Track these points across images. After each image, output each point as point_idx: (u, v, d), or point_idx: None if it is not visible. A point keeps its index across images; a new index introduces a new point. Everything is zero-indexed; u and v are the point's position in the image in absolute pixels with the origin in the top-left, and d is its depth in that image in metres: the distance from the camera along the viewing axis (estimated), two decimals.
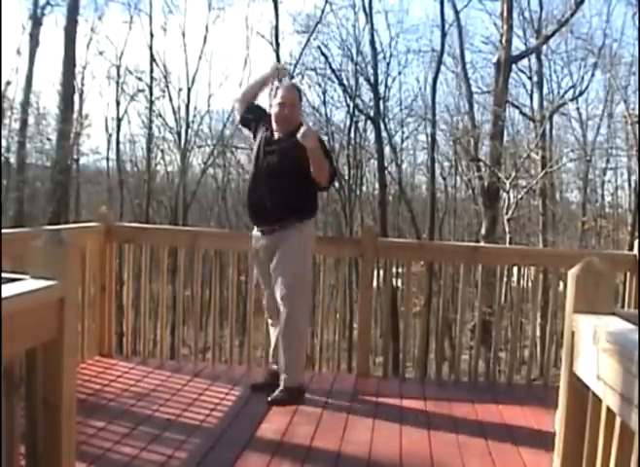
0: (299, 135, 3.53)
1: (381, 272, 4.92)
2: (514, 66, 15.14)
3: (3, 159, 16.13)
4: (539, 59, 16.74)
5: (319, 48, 17.21)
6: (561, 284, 4.48)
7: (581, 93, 16.78)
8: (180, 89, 18.75)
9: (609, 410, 1.60)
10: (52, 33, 28.14)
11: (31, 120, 17.55)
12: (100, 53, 18.27)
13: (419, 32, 24.98)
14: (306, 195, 3.77)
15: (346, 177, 17.53)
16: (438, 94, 16.61)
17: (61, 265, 1.81)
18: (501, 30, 14.40)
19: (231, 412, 3.59)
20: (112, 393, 3.75)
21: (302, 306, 3.75)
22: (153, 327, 7.67)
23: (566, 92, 16.93)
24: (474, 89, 15.81)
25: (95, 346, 4.44)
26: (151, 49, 18.21)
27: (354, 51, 17.42)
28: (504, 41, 14.01)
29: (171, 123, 18.91)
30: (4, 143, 16.25)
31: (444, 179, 19.67)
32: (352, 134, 18.08)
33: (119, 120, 18.97)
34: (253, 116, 4.02)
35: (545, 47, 16.01)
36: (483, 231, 13.71)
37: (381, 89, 17.19)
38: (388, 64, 17.71)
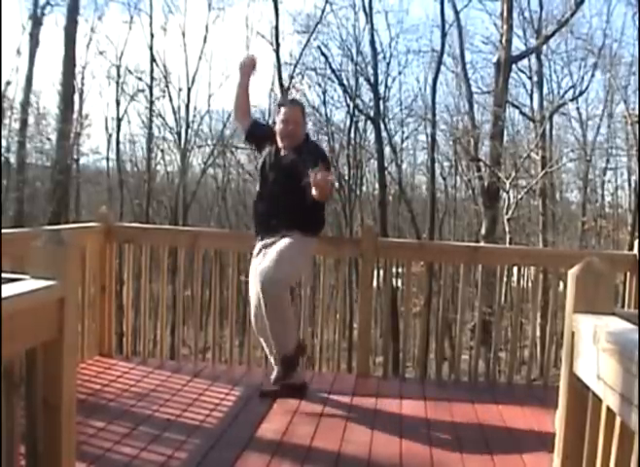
0: (311, 178, 3.38)
1: (381, 272, 4.92)
2: (514, 66, 15.15)
3: (3, 159, 16.14)
4: (539, 59, 16.74)
5: (319, 48, 17.24)
6: (561, 284, 4.49)
7: (581, 93, 16.80)
8: (180, 89, 18.79)
9: (609, 410, 1.60)
10: (52, 33, 28.15)
11: (31, 120, 17.59)
12: (100, 53, 18.33)
13: (419, 32, 25.07)
14: (312, 211, 3.76)
15: (346, 177, 17.54)
16: (438, 94, 16.65)
17: (61, 265, 1.81)
18: (501, 30, 14.41)
19: (231, 412, 3.58)
20: (112, 393, 3.75)
21: (283, 281, 3.59)
22: (153, 327, 7.69)
23: (566, 92, 16.97)
24: (474, 89, 15.84)
25: (95, 346, 4.44)
26: (151, 49, 18.25)
27: (354, 51, 17.46)
28: (504, 41, 14.02)
29: (171, 123, 18.96)
30: (4, 143, 16.28)
31: (444, 179, 19.69)
32: (352, 134, 18.10)
33: (119, 120, 19.00)
34: (258, 133, 4.05)
35: (545, 47, 16.02)
36: (483, 231, 13.72)
37: (381, 89, 17.22)
38: (388, 64, 17.75)
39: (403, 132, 18.86)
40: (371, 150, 18.07)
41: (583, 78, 16.56)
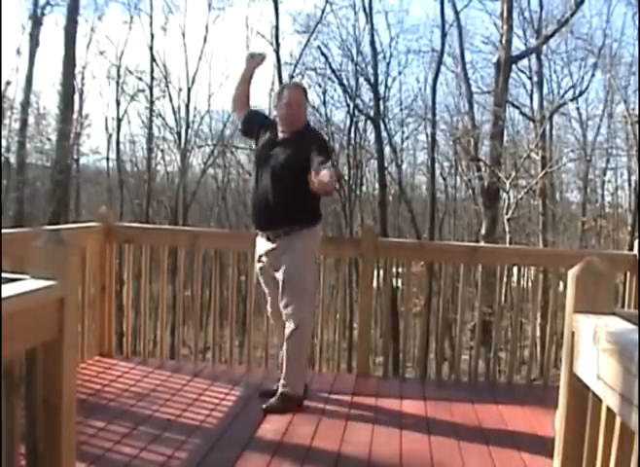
0: (314, 176, 3.37)
1: (381, 272, 4.92)
2: (514, 66, 15.16)
3: (3, 159, 16.14)
4: (539, 59, 16.74)
5: (319, 48, 17.24)
6: (561, 284, 4.48)
7: (581, 93, 16.80)
8: (180, 89, 18.80)
9: (609, 410, 1.60)
10: (52, 33, 28.18)
11: (31, 120, 17.59)
12: (100, 53, 18.34)
13: (419, 32, 25.08)
14: (312, 197, 3.64)
15: (346, 177, 17.54)
16: (438, 94, 16.65)
17: (61, 265, 1.81)
18: (501, 30, 14.41)
19: (231, 412, 3.58)
20: (112, 393, 3.75)
21: (307, 318, 3.68)
22: (153, 327, 7.68)
23: (566, 92, 16.97)
24: (474, 89, 15.84)
25: (95, 346, 4.44)
26: (151, 49, 18.25)
27: (354, 51, 17.46)
28: (504, 41, 14.02)
29: (171, 123, 18.96)
30: (4, 143, 16.28)
31: (444, 179, 19.70)
32: (352, 134, 18.11)
33: (119, 120, 19.01)
34: (254, 123, 3.93)
35: (545, 47, 16.02)
36: (483, 231, 13.72)
37: (381, 89, 17.22)
38: (388, 64, 17.76)
39: (403, 132, 18.89)
40: (371, 150, 18.08)
41: (583, 78, 16.59)
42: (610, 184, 18.71)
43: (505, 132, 15.20)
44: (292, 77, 17.16)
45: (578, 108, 17.53)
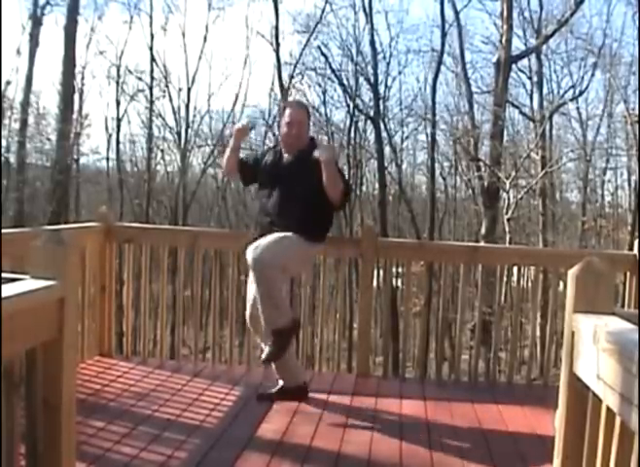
0: (316, 151, 3.43)
1: (381, 272, 4.92)
2: (514, 66, 15.16)
3: (3, 159, 16.14)
4: (539, 59, 16.75)
5: (319, 48, 17.24)
6: (561, 284, 4.49)
7: (581, 93, 16.80)
8: (180, 89, 18.79)
9: (609, 410, 1.60)
10: (52, 33, 28.15)
11: (31, 120, 17.59)
12: (100, 53, 18.33)
13: (419, 32, 25.07)
14: (317, 218, 3.67)
15: (346, 177, 17.52)
16: (438, 94, 16.65)
17: (61, 265, 1.81)
18: (501, 30, 14.42)
19: (231, 412, 3.58)
20: (112, 393, 3.75)
21: (273, 306, 3.53)
22: (153, 327, 7.67)
23: (566, 92, 16.96)
24: (474, 89, 15.85)
25: (95, 346, 4.44)
26: (151, 49, 18.25)
27: (354, 51, 17.46)
28: (504, 41, 14.03)
29: (171, 123, 18.96)
30: (4, 143, 16.28)
31: (444, 179, 19.70)
32: (352, 134, 18.11)
33: (119, 120, 19.00)
34: (250, 168, 3.92)
35: (545, 47, 16.02)
36: (483, 231, 13.72)
37: (381, 88, 17.22)
38: (388, 64, 17.76)
39: (403, 132, 18.88)
40: (371, 150, 18.08)
41: (583, 78, 16.58)
42: (610, 184, 18.74)
43: (505, 132, 15.22)
44: (292, 77, 17.18)
45: (578, 108, 17.55)
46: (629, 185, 17.41)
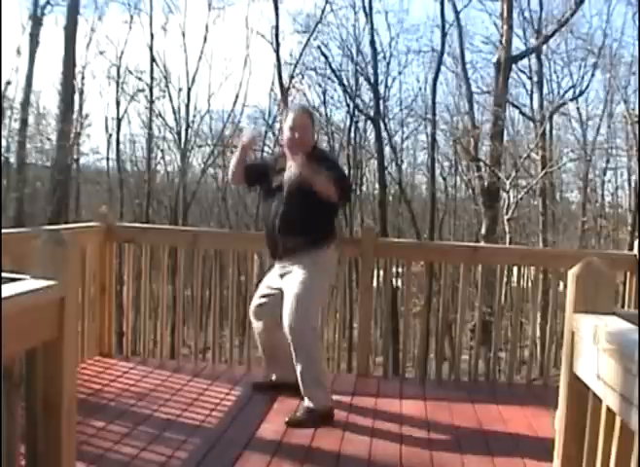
0: (293, 167, 3.41)
1: (381, 272, 4.91)
2: (514, 66, 15.15)
3: (3, 159, 16.14)
4: (539, 59, 16.74)
5: (319, 48, 17.23)
6: (561, 284, 4.48)
7: (581, 93, 16.79)
8: (180, 89, 18.78)
9: (609, 410, 1.60)
10: (52, 33, 28.13)
11: (31, 120, 17.59)
12: (100, 53, 18.30)
13: (419, 32, 25.05)
14: (325, 219, 3.65)
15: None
16: (438, 94, 16.64)
17: (61, 265, 1.81)
18: (501, 30, 14.42)
19: (231, 412, 3.59)
20: (112, 393, 3.75)
21: (305, 329, 3.48)
22: (153, 327, 7.66)
23: (566, 92, 16.96)
24: (474, 89, 15.83)
25: (95, 346, 4.44)
26: (151, 49, 18.24)
27: (354, 51, 17.45)
28: (504, 41, 14.02)
29: (171, 123, 18.94)
30: (4, 143, 16.29)
31: (444, 179, 19.69)
32: (352, 134, 18.10)
33: (119, 120, 18.98)
34: (257, 173, 3.88)
35: (545, 47, 16.02)
36: (483, 231, 13.72)
37: (381, 88, 17.21)
38: (388, 64, 17.75)
39: (403, 132, 18.86)
40: (371, 150, 18.07)
41: (583, 78, 16.57)
42: (610, 184, 18.73)
43: (505, 132, 15.21)
44: (292, 77, 17.17)
45: (578, 108, 17.54)
46: (629, 185, 17.40)
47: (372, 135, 17.67)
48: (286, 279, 3.62)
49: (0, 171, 15.20)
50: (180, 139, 18.70)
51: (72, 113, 16.93)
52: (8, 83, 16.37)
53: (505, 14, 14.09)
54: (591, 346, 1.71)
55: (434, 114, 16.12)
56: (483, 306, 6.46)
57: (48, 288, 1.76)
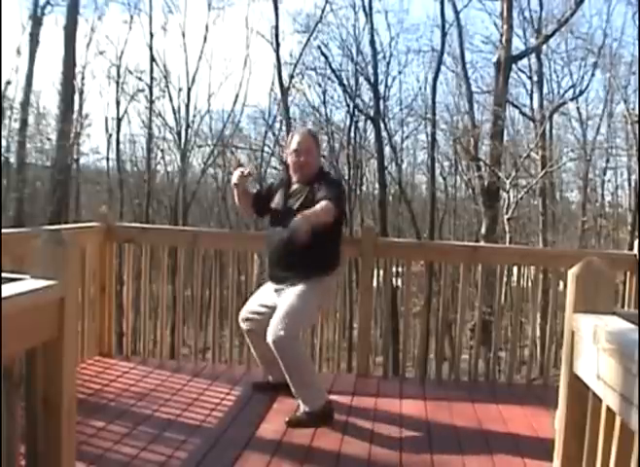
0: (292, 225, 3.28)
1: (381, 272, 4.91)
2: (514, 66, 15.16)
3: (3, 159, 16.15)
4: (539, 59, 16.76)
5: (319, 48, 17.26)
6: (561, 284, 4.48)
7: (581, 93, 16.82)
8: (180, 89, 18.81)
9: (609, 410, 1.60)
10: (52, 33, 28.18)
11: (31, 120, 17.62)
12: (100, 53, 18.33)
13: (419, 32, 25.18)
14: (329, 247, 3.60)
15: (346, 177, 17.54)
16: (438, 94, 16.67)
17: (61, 265, 1.81)
18: (501, 30, 14.42)
19: (231, 412, 3.58)
20: (112, 393, 3.75)
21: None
22: (153, 327, 7.66)
23: (566, 92, 16.98)
24: (474, 88, 15.86)
25: (95, 346, 4.44)
26: (151, 49, 18.27)
27: (354, 50, 17.48)
28: (504, 41, 14.03)
29: (171, 123, 18.98)
30: (4, 143, 16.30)
31: (444, 179, 19.71)
32: (352, 134, 18.12)
33: (119, 120, 19.01)
34: (264, 198, 3.85)
35: (545, 46, 16.04)
36: (483, 230, 13.72)
37: (381, 88, 17.23)
38: (388, 64, 17.77)
39: (403, 132, 18.90)
40: (371, 150, 18.09)
41: (583, 77, 16.60)
42: (610, 184, 18.77)
43: (505, 132, 15.22)
44: (292, 77, 17.18)
45: (578, 108, 17.58)
46: (629, 185, 17.43)
47: (371, 135, 17.71)
48: (282, 295, 3.58)
49: (0, 171, 15.20)
50: (180, 139, 18.72)
51: (72, 113, 16.94)
52: (8, 83, 16.40)
53: (505, 13, 14.09)
54: (591, 346, 1.71)
55: (434, 114, 16.13)
56: (483, 306, 6.45)
57: (48, 288, 1.76)
